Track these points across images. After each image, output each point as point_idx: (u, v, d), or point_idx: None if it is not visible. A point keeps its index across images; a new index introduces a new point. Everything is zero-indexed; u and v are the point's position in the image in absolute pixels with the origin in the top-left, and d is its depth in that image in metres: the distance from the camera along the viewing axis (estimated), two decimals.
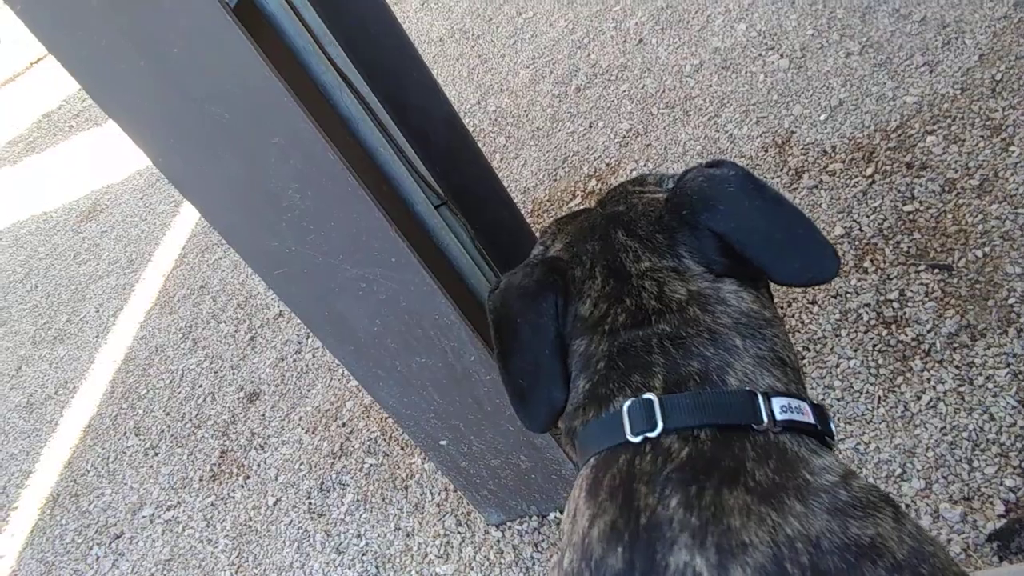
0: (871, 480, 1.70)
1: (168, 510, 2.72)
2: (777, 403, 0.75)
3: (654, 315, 0.83)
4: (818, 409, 0.78)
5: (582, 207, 0.93)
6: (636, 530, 0.68)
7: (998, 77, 2.28)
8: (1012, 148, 2.08)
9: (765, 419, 0.73)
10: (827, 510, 0.65)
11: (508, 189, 2.57)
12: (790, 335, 2.03)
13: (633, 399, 0.77)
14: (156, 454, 2.97)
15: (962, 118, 2.24)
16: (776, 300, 2.12)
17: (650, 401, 0.75)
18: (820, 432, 0.77)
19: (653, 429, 0.74)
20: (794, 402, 0.76)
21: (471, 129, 3.44)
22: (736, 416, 0.73)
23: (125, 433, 3.15)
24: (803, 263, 0.84)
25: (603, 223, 0.94)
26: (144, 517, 2.76)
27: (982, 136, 2.16)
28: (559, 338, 0.89)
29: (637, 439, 0.74)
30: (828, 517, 0.65)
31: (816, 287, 2.09)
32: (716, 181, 0.87)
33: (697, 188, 0.88)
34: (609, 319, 0.85)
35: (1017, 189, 1.99)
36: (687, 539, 0.65)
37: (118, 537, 2.74)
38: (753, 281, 0.88)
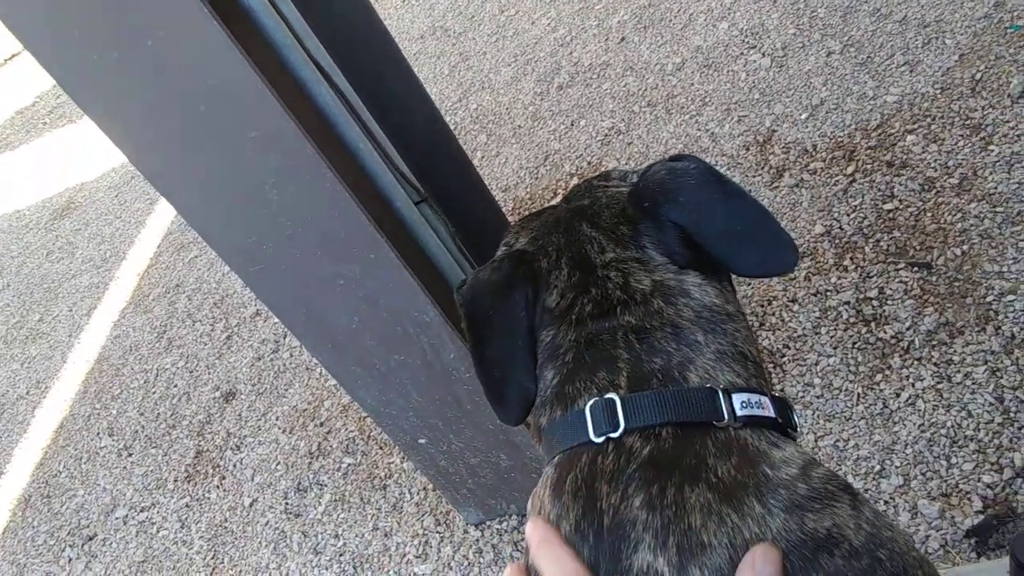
0: (849, 476, 1.71)
1: (142, 511, 2.68)
2: (737, 399, 0.75)
3: (619, 306, 0.83)
4: (779, 402, 0.79)
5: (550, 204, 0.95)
6: (600, 531, 0.69)
7: (977, 77, 2.29)
8: (991, 147, 2.10)
9: (726, 416, 0.73)
10: (784, 508, 0.66)
11: (489, 187, 2.55)
12: (766, 334, 2.03)
13: (596, 399, 0.77)
14: (130, 455, 2.93)
15: (942, 117, 2.25)
16: (756, 299, 2.12)
17: (611, 400, 0.76)
18: (782, 425, 0.78)
19: (616, 429, 0.74)
20: (754, 397, 0.76)
21: (452, 127, 3.42)
22: (697, 414, 0.74)
23: (98, 433, 3.11)
24: (762, 255, 0.86)
25: (568, 217, 0.95)
26: (117, 518, 2.72)
27: (961, 135, 2.17)
28: (530, 330, 0.89)
29: (599, 439, 0.74)
30: (785, 516, 0.65)
31: (796, 285, 2.09)
32: (677, 174, 0.88)
33: (659, 181, 0.89)
34: (576, 309, 0.85)
35: (996, 188, 2.00)
36: (650, 539, 0.66)
37: (91, 539, 2.70)
38: (716, 274, 0.89)
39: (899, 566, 0.64)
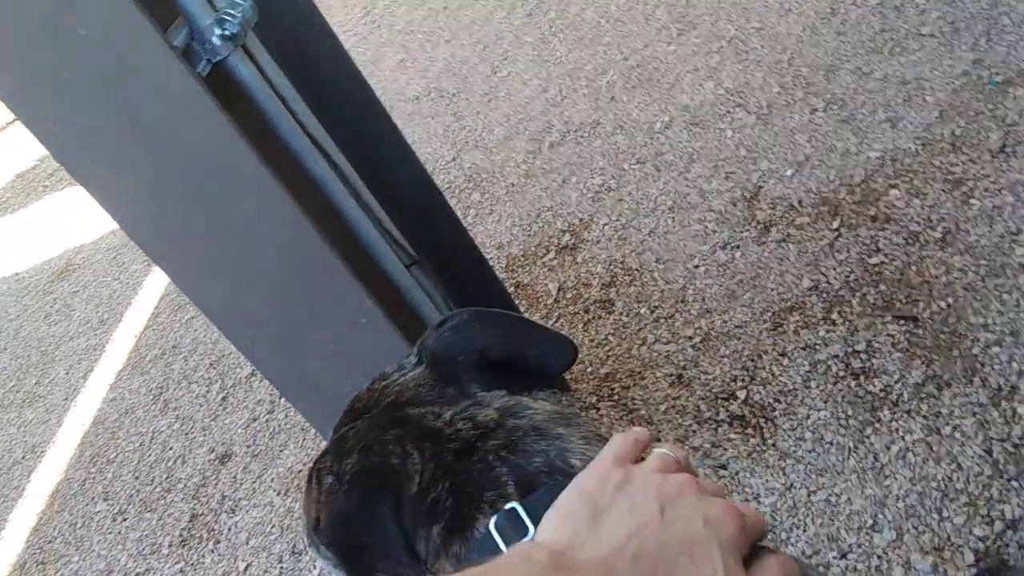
0: (834, 535, 1.71)
1: None
2: None
3: (479, 440, 0.85)
4: None
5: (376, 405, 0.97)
6: None
7: (957, 132, 2.34)
8: (972, 201, 2.14)
9: None
10: None
11: (482, 245, 2.59)
12: (757, 388, 2.05)
13: (496, 515, 0.76)
14: (124, 519, 2.91)
15: (924, 172, 2.30)
16: (747, 353, 2.14)
17: (513, 509, 0.75)
18: None
19: (525, 534, 0.73)
20: None
21: (446, 186, 3.47)
22: None
23: (93, 498, 3.09)
24: (556, 357, 0.97)
25: (386, 416, 0.94)
26: None
27: (943, 190, 2.22)
28: (407, 536, 0.85)
29: None
30: None
31: (786, 339, 2.11)
32: (462, 326, 0.97)
33: (450, 337, 0.97)
34: (439, 468, 0.85)
35: (978, 241, 2.04)
36: None
37: None
38: (533, 391, 0.96)
39: None
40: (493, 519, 0.77)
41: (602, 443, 0.84)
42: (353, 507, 0.89)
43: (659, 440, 0.73)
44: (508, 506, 0.76)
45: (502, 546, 0.75)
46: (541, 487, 0.78)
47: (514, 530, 0.74)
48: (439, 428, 0.88)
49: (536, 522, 0.73)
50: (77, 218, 5.35)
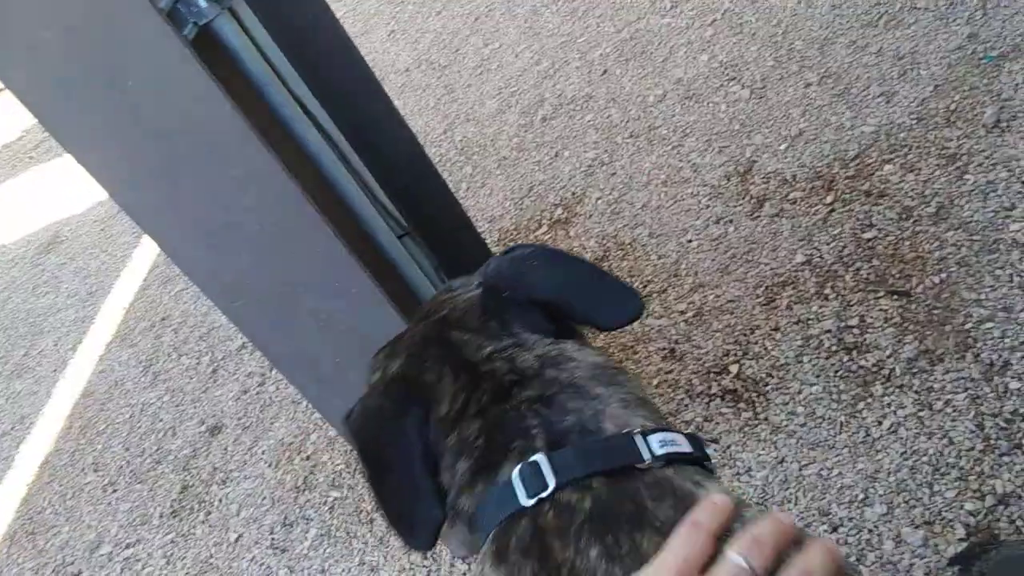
0: (825, 508, 1.71)
1: (127, 548, 2.66)
2: (654, 439, 0.78)
3: (515, 387, 0.85)
4: (692, 438, 0.81)
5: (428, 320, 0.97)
6: None
7: (952, 107, 2.33)
8: (967, 176, 2.13)
9: (647, 456, 0.75)
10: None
11: (474, 219, 2.57)
12: (750, 363, 2.05)
13: (520, 464, 0.78)
14: (115, 490, 2.90)
15: (918, 147, 2.29)
16: (740, 328, 2.13)
17: (535, 462, 0.76)
18: (699, 459, 0.80)
19: (545, 489, 0.75)
20: (668, 435, 0.79)
21: (437, 159, 3.45)
22: (621, 459, 0.76)
23: (83, 469, 3.08)
24: (615, 307, 0.94)
25: (434, 331, 0.96)
26: (102, 555, 2.69)
27: (938, 165, 2.21)
28: (427, 453, 0.88)
29: (532, 501, 0.75)
30: None
31: (778, 314, 2.10)
32: (520, 260, 0.96)
33: (507, 270, 0.96)
34: (472, 405, 0.86)
35: (972, 216, 2.03)
36: None
37: None
38: (584, 339, 0.95)
39: None
40: (517, 468, 0.78)
41: (643, 408, 0.84)
42: (383, 407, 0.92)
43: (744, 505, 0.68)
44: (533, 458, 0.77)
45: (521, 496, 0.76)
46: (568, 446, 0.78)
47: (535, 483, 0.76)
48: (477, 362, 0.89)
49: (557, 478, 0.74)
50: (64, 190, 5.30)
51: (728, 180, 2.57)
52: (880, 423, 1.79)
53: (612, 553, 0.68)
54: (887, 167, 2.29)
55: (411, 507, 0.88)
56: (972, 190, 2.09)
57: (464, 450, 0.84)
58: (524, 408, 0.83)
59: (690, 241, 2.46)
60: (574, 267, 0.98)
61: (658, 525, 0.69)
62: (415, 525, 0.89)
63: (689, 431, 0.85)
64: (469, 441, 0.84)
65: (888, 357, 1.88)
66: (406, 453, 0.88)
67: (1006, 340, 1.78)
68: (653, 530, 0.69)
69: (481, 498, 0.81)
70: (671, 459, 0.77)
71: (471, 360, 0.89)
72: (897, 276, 2.02)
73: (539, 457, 0.77)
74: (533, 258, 0.96)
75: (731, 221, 2.44)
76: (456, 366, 0.90)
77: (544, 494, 0.74)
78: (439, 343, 0.93)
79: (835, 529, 1.68)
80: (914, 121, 2.36)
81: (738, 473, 1.87)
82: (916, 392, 1.80)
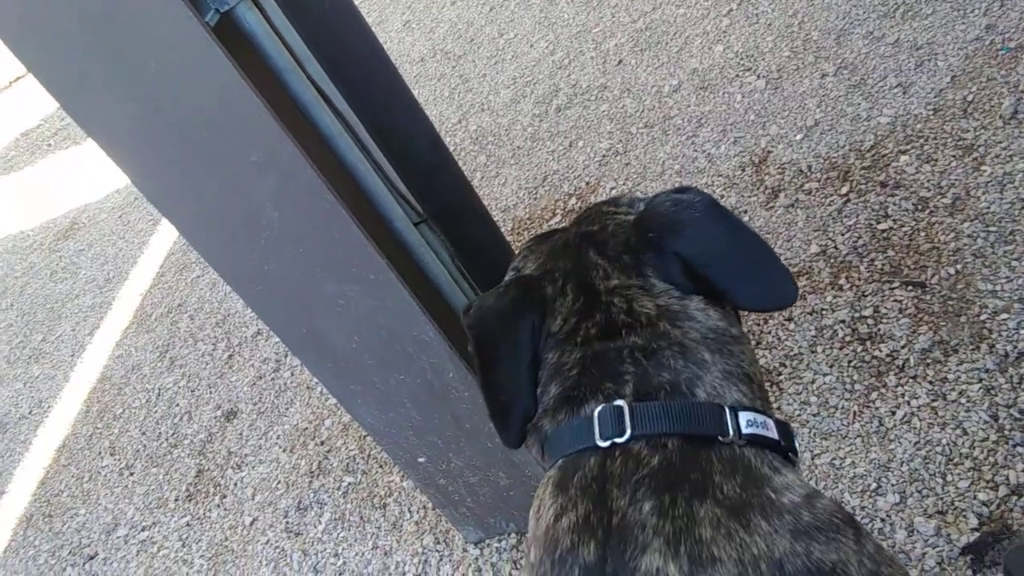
0: (838, 497, 1.72)
1: (143, 530, 2.69)
2: (744, 417, 0.77)
3: (624, 328, 0.86)
4: (782, 426, 0.80)
5: (561, 226, 0.96)
6: (608, 528, 0.70)
7: (969, 98, 2.32)
8: (983, 167, 2.12)
9: (731, 432, 0.75)
10: (791, 531, 0.67)
11: (488, 207, 2.58)
12: (763, 352, 2.05)
13: (604, 404, 0.79)
14: (131, 474, 2.94)
15: (934, 138, 2.28)
16: (753, 317, 2.14)
17: (620, 407, 0.77)
18: (784, 448, 0.79)
19: (622, 435, 0.76)
20: (759, 417, 0.78)
21: (452, 148, 3.45)
22: (703, 427, 0.76)
23: (100, 453, 3.12)
24: (763, 288, 0.89)
25: (576, 242, 0.97)
26: (119, 537, 2.72)
27: (954, 156, 2.20)
28: (535, 356, 0.90)
29: (606, 444, 0.76)
30: (791, 539, 0.67)
31: (791, 306, 2.10)
32: (683, 206, 0.91)
33: (664, 212, 0.92)
34: (581, 332, 0.88)
35: (988, 208, 2.02)
36: (660, 545, 0.67)
37: (92, 558, 2.70)
38: (718, 300, 0.91)
39: None
40: (600, 407, 0.79)
41: (745, 384, 0.84)
42: (502, 307, 0.95)
43: None
44: (617, 402, 0.79)
45: (597, 435, 0.77)
46: (655, 401, 0.79)
47: (614, 426, 0.77)
48: (600, 291, 0.90)
49: (635, 428, 0.75)
50: (82, 177, 5.34)
51: (743, 170, 2.57)
52: (894, 413, 1.79)
53: (665, 511, 0.69)
54: (903, 158, 2.28)
55: (512, 403, 0.91)
56: (989, 181, 2.08)
57: (559, 375, 0.87)
58: (626, 353, 0.83)
59: None
60: (735, 234, 0.90)
61: (720, 498, 0.70)
62: (511, 420, 0.91)
63: (783, 419, 0.85)
64: (566, 368, 0.86)
65: (902, 347, 1.88)
66: (515, 353, 0.91)
67: (1021, 331, 1.78)
68: (714, 502, 0.70)
69: (560, 425, 0.83)
70: (754, 440, 0.77)
71: (595, 287, 0.90)
72: (912, 267, 2.01)
73: (623, 403, 0.78)
74: (694, 208, 0.90)
75: (746, 211, 2.44)
76: (579, 287, 0.91)
77: (620, 440, 0.76)
78: (575, 258, 0.94)
79: None
80: (931, 112, 2.35)
81: None
82: (930, 382, 1.80)
